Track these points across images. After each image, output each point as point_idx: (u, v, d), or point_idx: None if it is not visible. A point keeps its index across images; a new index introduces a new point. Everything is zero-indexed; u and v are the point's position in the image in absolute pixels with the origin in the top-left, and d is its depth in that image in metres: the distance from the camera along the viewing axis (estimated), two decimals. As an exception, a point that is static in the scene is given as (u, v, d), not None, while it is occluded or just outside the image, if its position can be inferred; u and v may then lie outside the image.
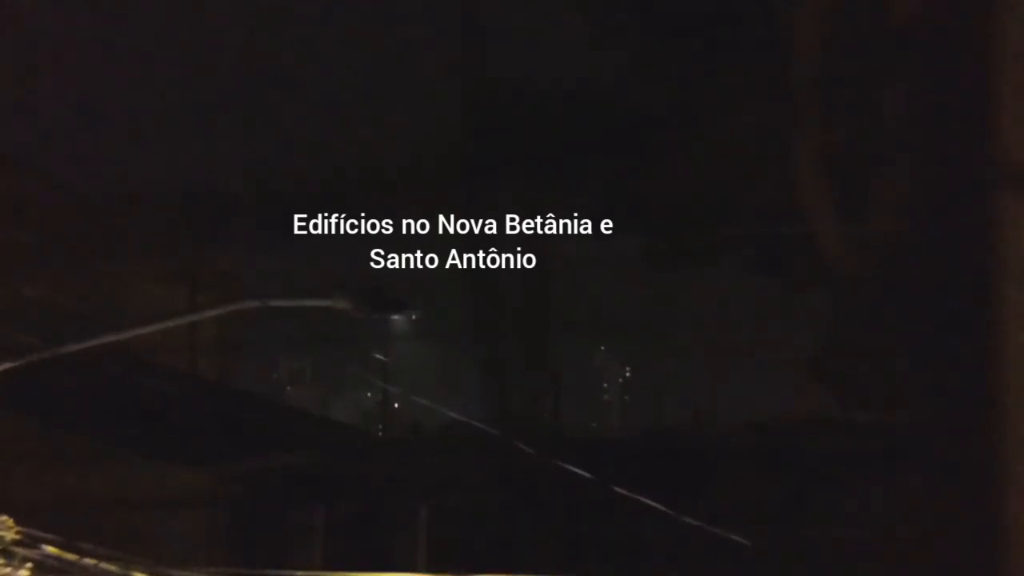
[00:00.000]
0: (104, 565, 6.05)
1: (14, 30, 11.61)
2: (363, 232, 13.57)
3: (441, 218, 13.98)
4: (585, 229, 13.33)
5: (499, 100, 12.98)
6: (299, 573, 7.97)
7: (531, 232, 14.00)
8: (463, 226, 13.43)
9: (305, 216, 13.26)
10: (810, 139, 8.90)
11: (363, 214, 13.29)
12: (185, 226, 13.34)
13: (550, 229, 13.97)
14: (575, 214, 13.66)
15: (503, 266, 13.80)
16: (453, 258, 13.48)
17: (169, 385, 11.89)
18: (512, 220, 13.98)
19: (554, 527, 12.76)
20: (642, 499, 8.79)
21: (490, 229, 13.58)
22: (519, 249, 14.06)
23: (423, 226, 13.81)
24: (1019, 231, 6.15)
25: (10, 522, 5.94)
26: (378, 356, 14.53)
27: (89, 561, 6.03)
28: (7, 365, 6.91)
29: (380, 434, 17.07)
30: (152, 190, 13.02)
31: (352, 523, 13.39)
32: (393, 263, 12.83)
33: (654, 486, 9.01)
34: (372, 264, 12.91)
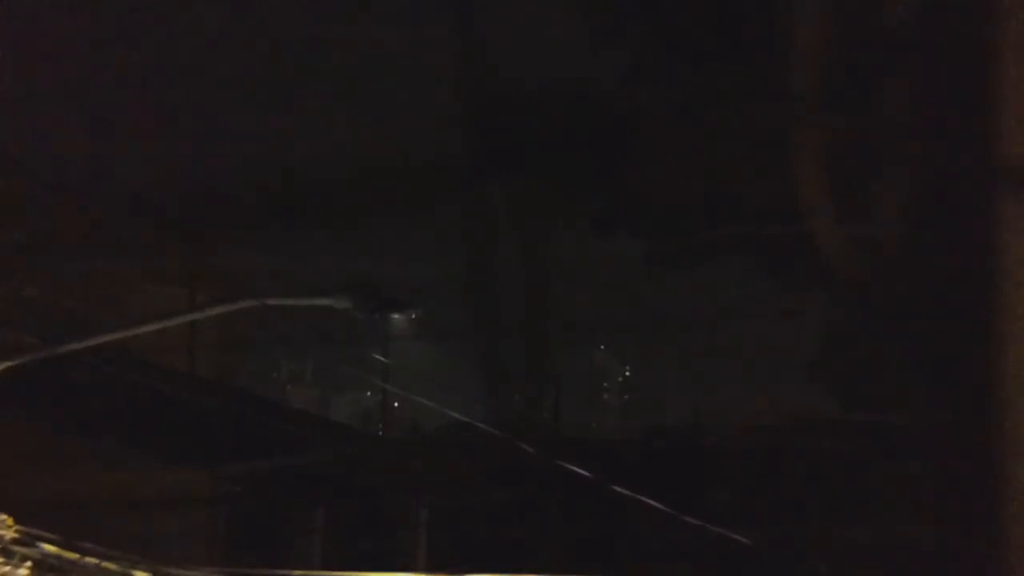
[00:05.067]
0: (104, 564, 6.05)
1: (14, 30, 11.61)
2: (363, 232, 13.57)
3: (441, 219, 13.98)
4: (585, 229, 13.34)
5: (499, 101, 12.99)
6: (299, 573, 7.95)
7: (531, 232, 14.00)
8: (463, 226, 13.43)
9: (305, 216, 13.26)
10: (810, 139, 8.90)
11: (363, 214, 13.29)
12: (185, 226, 13.34)
13: (550, 229, 13.98)
14: (575, 214, 13.66)
15: (503, 266, 13.80)
16: (453, 258, 13.48)
17: (169, 385, 11.88)
18: (512, 221, 13.98)
19: (554, 527, 12.76)
20: (642, 499, 8.78)
21: (491, 229, 13.59)
22: (519, 249, 14.06)
23: (423, 226, 13.82)
24: (1019, 231, 6.14)
25: (10, 521, 5.94)
26: (378, 356, 14.52)
27: (89, 560, 6.03)
28: (7, 365, 6.91)
29: (380, 434, 17.06)
30: (152, 190, 13.02)
31: (352, 523, 13.38)
32: (393, 263, 12.83)
33: (654, 486, 9.00)
34: (372, 264, 12.91)
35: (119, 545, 6.35)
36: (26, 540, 5.93)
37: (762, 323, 13.02)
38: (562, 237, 14.21)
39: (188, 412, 11.80)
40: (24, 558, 5.91)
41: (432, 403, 12.64)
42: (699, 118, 11.91)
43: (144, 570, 6.21)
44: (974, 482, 6.23)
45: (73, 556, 5.98)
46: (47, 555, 5.94)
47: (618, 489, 8.74)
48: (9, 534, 5.90)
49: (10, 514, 5.96)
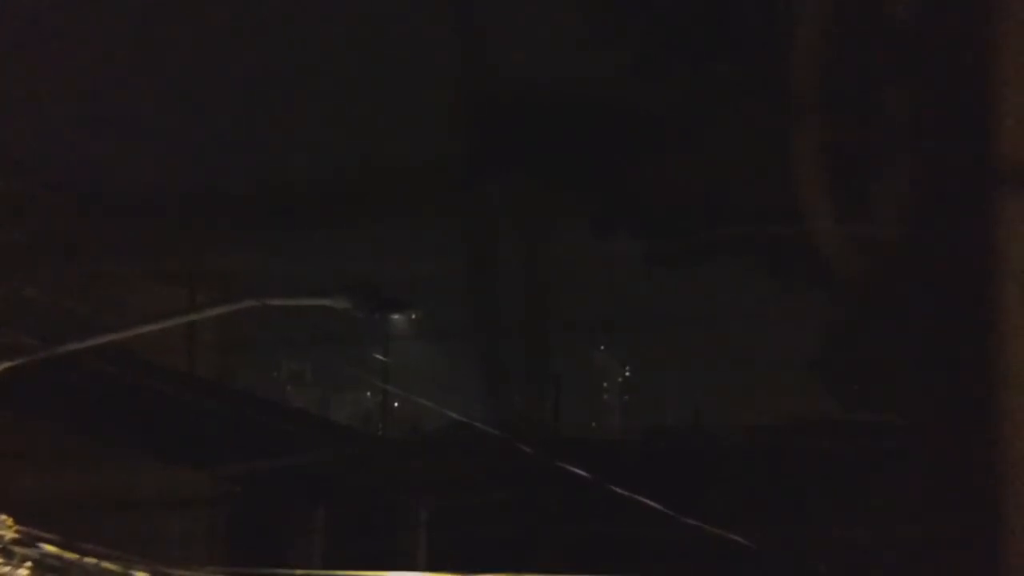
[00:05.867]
0: (104, 565, 6.05)
1: (14, 30, 11.61)
2: (363, 232, 13.55)
3: (441, 218, 13.97)
4: (585, 229, 13.34)
5: (499, 100, 12.98)
6: (299, 573, 7.96)
7: (531, 232, 13.99)
8: (463, 226, 13.43)
9: (305, 216, 13.25)
10: (810, 139, 8.90)
11: (363, 214, 13.28)
12: (185, 226, 13.34)
13: (550, 229, 13.97)
14: (575, 214, 13.66)
15: (503, 266, 13.80)
16: (453, 258, 13.47)
17: (169, 385, 11.88)
18: (512, 220, 13.97)
19: (554, 527, 12.76)
20: (642, 499, 8.78)
21: (491, 229, 13.58)
22: (519, 249, 14.06)
23: (423, 226, 13.81)
24: (1019, 231, 6.14)
25: (10, 521, 5.94)
26: (378, 356, 14.52)
27: (89, 560, 6.03)
28: (7, 365, 6.90)
29: (380, 434, 17.05)
30: (152, 190, 13.02)
31: (352, 523, 13.38)
32: (393, 263, 12.82)
33: (654, 486, 9.01)
34: (372, 264, 12.91)
35: (119, 545, 6.35)
36: (26, 540, 5.93)
37: (762, 323, 13.02)
38: (562, 237, 14.21)
39: (188, 412, 11.80)
40: (24, 558, 5.91)
41: (432, 404, 12.65)
42: (699, 118, 11.91)
43: (144, 570, 6.21)
44: (974, 482, 6.23)
45: (73, 556, 5.98)
46: (47, 555, 5.94)
47: (617, 490, 8.74)
48: (9, 534, 5.90)
49: (10, 514, 5.96)
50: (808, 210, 8.99)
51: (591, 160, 12.94)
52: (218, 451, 12.55)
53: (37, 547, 5.92)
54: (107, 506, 11.08)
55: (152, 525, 11.69)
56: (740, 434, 13.76)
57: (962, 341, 6.37)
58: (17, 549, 5.91)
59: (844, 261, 8.84)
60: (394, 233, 13.71)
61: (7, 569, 5.87)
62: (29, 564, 5.91)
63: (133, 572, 6.16)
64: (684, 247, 12.82)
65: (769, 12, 10.33)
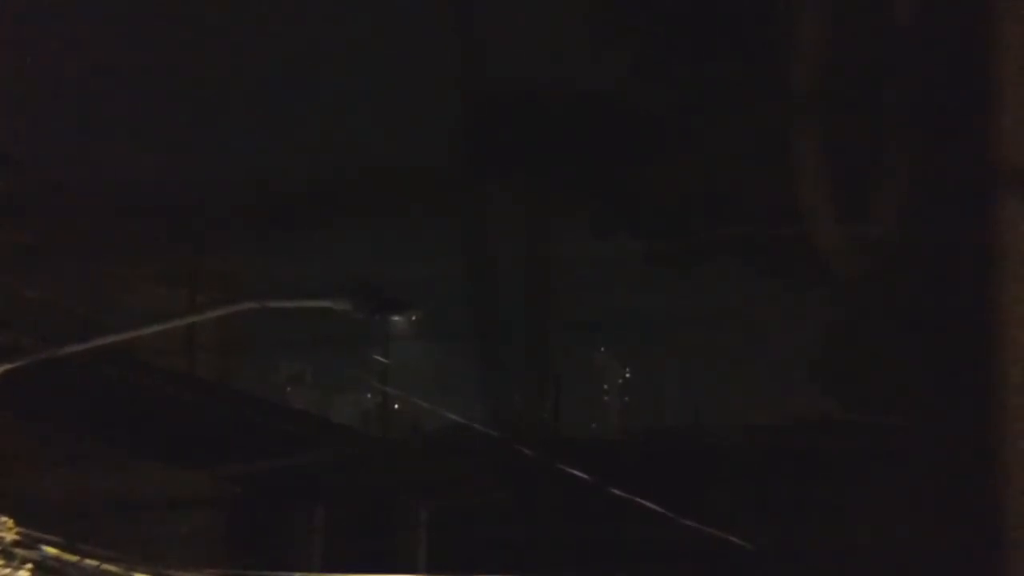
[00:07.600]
0: (104, 567, 6.05)
1: (14, 30, 11.62)
2: (363, 233, 13.57)
3: (441, 219, 13.99)
4: (585, 229, 13.35)
5: (500, 101, 12.99)
6: (299, 574, 7.96)
7: (531, 232, 14.01)
8: (463, 226, 13.44)
9: (305, 217, 13.26)
10: (810, 139, 8.90)
11: (363, 214, 13.30)
12: (185, 226, 13.34)
13: (550, 229, 13.99)
14: (575, 214, 13.67)
15: (503, 266, 13.81)
16: (453, 258, 13.49)
17: (169, 386, 11.87)
18: (512, 220, 13.99)
19: (554, 528, 12.76)
20: (642, 500, 8.79)
21: (491, 229, 13.60)
22: (519, 249, 14.07)
23: (423, 227, 13.82)
24: (1019, 231, 6.14)
25: (10, 523, 5.94)
26: (378, 357, 14.52)
27: (89, 562, 6.03)
28: (7, 365, 6.90)
29: (380, 435, 17.06)
30: (152, 190, 13.03)
31: (352, 524, 13.38)
32: (393, 264, 12.83)
33: (654, 487, 9.01)
34: (372, 264, 12.91)
35: (119, 547, 6.34)
36: (27, 542, 5.92)
37: (762, 323, 13.03)
38: (562, 237, 14.22)
39: (188, 413, 11.79)
40: (24, 560, 5.91)
41: (432, 405, 12.66)
42: (699, 118, 11.92)
43: (144, 572, 6.20)
44: (974, 482, 6.23)
45: (73, 558, 5.97)
46: (47, 557, 5.94)
47: (616, 491, 8.74)
48: (9, 536, 5.90)
49: (10, 516, 5.96)
50: (808, 210, 8.99)
51: (591, 160, 12.94)
52: (218, 451, 12.54)
53: (38, 549, 5.92)
54: (107, 507, 11.08)
55: (152, 526, 11.68)
56: (740, 434, 13.78)
57: (962, 341, 6.37)
58: (18, 551, 5.91)
59: (844, 261, 8.84)
60: (394, 234, 13.73)
61: (8, 571, 5.87)
62: (30, 566, 5.91)
63: (133, 574, 6.16)
64: (684, 247, 12.82)
65: (769, 12, 10.33)
